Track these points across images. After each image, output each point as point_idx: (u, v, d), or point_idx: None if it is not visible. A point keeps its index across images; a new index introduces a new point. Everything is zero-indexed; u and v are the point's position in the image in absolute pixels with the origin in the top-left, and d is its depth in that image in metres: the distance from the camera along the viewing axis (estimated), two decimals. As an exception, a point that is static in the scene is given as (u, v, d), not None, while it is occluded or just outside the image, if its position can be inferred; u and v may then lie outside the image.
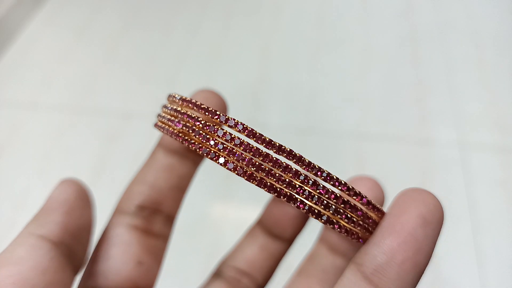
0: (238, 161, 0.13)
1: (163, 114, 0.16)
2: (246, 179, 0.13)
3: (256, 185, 0.13)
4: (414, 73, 0.60)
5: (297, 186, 0.13)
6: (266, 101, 0.58)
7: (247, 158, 0.13)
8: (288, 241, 0.19)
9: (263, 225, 0.19)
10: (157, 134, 0.50)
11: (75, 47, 0.66)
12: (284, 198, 0.13)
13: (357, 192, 0.14)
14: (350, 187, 0.13)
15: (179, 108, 0.15)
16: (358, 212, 0.14)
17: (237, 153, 0.13)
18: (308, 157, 0.14)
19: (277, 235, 0.19)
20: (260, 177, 0.13)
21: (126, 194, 0.17)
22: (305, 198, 0.13)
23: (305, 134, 0.54)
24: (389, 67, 0.61)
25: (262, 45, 0.65)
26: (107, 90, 0.61)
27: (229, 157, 0.13)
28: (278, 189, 0.13)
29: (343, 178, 0.14)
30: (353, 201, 0.14)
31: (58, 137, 0.55)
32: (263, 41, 0.66)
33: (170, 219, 0.18)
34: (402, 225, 0.12)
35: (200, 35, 0.67)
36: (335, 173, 0.14)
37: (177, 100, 0.15)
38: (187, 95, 0.16)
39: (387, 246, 0.12)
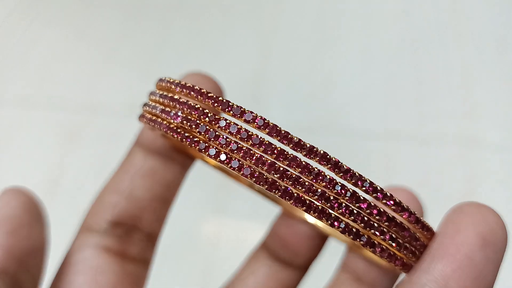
0: (257, 166, 0.13)
1: (152, 104, 0.16)
2: (267, 189, 0.13)
3: (280, 196, 0.13)
4: (457, 56, 0.60)
5: (331, 198, 0.13)
6: (266, 96, 0.58)
7: (268, 162, 0.13)
8: (301, 268, 0.19)
9: (268, 248, 0.19)
10: (132, 130, 0.50)
11: (29, 25, 0.66)
12: (315, 213, 0.13)
13: (405, 207, 0.14)
14: (397, 200, 0.13)
15: (176, 96, 0.15)
16: (405, 233, 0.14)
17: (256, 155, 0.13)
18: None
19: (287, 261, 0.19)
20: (285, 186, 0.13)
21: (96, 206, 0.17)
22: (341, 214, 0.13)
23: (314, 134, 0.54)
24: (424, 48, 0.61)
25: (263, 29, 0.65)
26: (65, 76, 0.60)
27: (245, 160, 0.13)
28: (308, 202, 0.13)
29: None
30: (400, 218, 0.14)
31: (6, 136, 0.55)
32: (265, 25, 0.66)
33: (151, 238, 0.18)
34: (457, 247, 0.12)
35: (187, 13, 0.67)
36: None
37: (172, 87, 0.15)
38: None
39: (439, 273, 0.12)
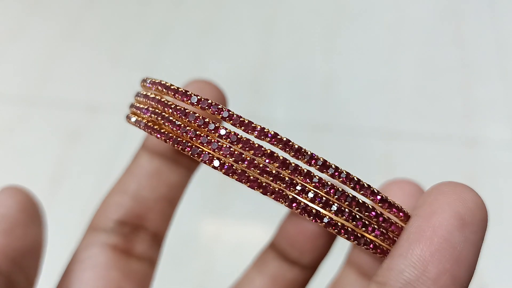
0: (237, 163, 0.14)
1: (137, 104, 0.16)
2: (248, 186, 0.14)
3: (262, 193, 0.13)
4: (458, 54, 0.60)
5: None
6: (269, 90, 0.58)
7: (248, 158, 0.14)
8: (309, 268, 0.19)
9: (276, 248, 0.19)
10: (135, 130, 0.50)
11: (26, 22, 0.66)
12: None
13: (366, 185, 0.14)
14: (366, 184, 0.14)
15: (157, 97, 0.15)
16: (370, 213, 0.14)
17: (236, 152, 0.14)
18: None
19: (295, 261, 0.19)
20: (266, 182, 0.13)
21: (103, 206, 0.18)
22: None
23: (319, 132, 0.54)
24: (426, 46, 0.62)
25: (265, 18, 0.65)
26: (68, 75, 0.60)
27: (226, 158, 0.14)
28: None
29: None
30: (368, 201, 0.14)
31: (6, 135, 0.55)
32: (267, 13, 0.66)
33: (157, 238, 0.18)
34: (434, 229, 0.12)
35: (186, 5, 0.67)
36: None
37: (148, 85, 0.16)
38: (170, 81, 0.16)
39: (416, 257, 0.12)
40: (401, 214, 0.14)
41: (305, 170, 0.13)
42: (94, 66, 0.61)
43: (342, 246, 0.21)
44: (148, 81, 0.16)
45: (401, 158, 0.52)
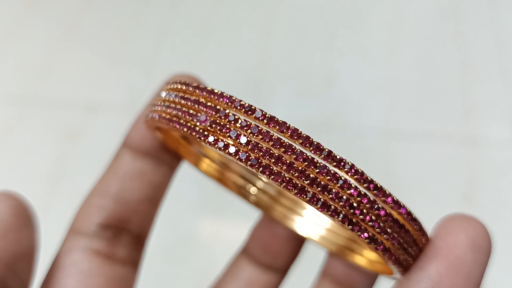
0: (289, 172, 0.13)
1: (166, 104, 0.15)
2: (298, 197, 0.13)
3: (307, 201, 0.13)
4: (458, 54, 0.60)
5: (355, 205, 0.13)
6: (269, 89, 0.58)
7: (300, 168, 0.13)
8: (281, 272, 0.19)
9: (249, 253, 0.19)
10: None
11: (26, 21, 0.66)
12: (338, 218, 0.13)
13: (414, 217, 0.14)
14: (408, 210, 0.14)
15: (201, 100, 0.15)
16: (409, 238, 0.14)
17: (284, 159, 0.13)
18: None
19: (268, 265, 0.19)
20: (313, 192, 0.13)
21: (84, 209, 0.17)
22: (361, 220, 0.14)
23: (318, 131, 0.54)
24: (426, 46, 0.61)
25: (264, 17, 0.65)
26: (67, 75, 0.60)
27: (277, 166, 0.13)
28: (333, 207, 0.13)
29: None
30: (407, 224, 0.14)
31: (5, 135, 0.55)
32: (266, 12, 0.66)
33: (140, 240, 0.18)
34: (449, 248, 0.13)
35: (185, 4, 0.67)
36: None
37: (190, 89, 0.15)
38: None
39: (433, 271, 0.13)
40: (423, 238, 0.15)
41: (372, 199, 0.14)
42: (92, 66, 0.61)
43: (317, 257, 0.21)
44: (192, 85, 0.15)
45: (401, 158, 0.52)
